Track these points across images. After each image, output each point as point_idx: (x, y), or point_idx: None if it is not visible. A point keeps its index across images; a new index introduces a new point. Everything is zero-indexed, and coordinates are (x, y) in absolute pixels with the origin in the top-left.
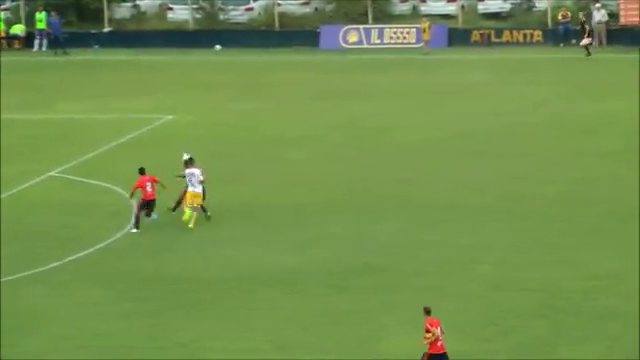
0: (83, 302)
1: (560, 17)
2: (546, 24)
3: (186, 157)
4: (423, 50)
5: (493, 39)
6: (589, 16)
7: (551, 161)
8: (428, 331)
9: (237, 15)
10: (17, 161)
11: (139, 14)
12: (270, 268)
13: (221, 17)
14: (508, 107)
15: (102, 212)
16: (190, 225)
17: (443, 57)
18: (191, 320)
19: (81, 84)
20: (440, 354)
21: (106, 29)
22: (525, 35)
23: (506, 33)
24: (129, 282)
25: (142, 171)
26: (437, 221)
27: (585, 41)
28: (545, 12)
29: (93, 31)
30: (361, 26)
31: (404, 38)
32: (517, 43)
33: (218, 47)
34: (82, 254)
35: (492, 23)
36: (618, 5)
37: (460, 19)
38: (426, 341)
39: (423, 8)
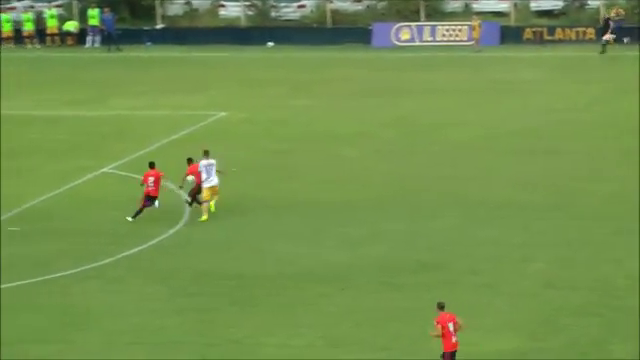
0: (136, 298)
1: (613, 14)
2: (598, 22)
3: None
4: (474, 48)
5: (545, 37)
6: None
7: (603, 159)
8: (437, 325)
9: (289, 12)
10: (70, 158)
11: (191, 11)
12: (323, 264)
13: (273, 14)
14: (560, 105)
15: (155, 208)
16: (204, 217)
17: (495, 55)
18: (244, 316)
19: (134, 80)
20: (454, 352)
21: (159, 26)
22: (577, 33)
23: (558, 31)
24: (182, 278)
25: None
26: (490, 218)
27: (607, 37)
28: (597, 9)
29: (146, 28)
30: (413, 23)
31: (456, 36)
32: (569, 41)
33: (270, 44)
34: (135, 250)
35: (544, 21)
36: None
37: (512, 17)
38: (432, 334)
39: (475, 6)
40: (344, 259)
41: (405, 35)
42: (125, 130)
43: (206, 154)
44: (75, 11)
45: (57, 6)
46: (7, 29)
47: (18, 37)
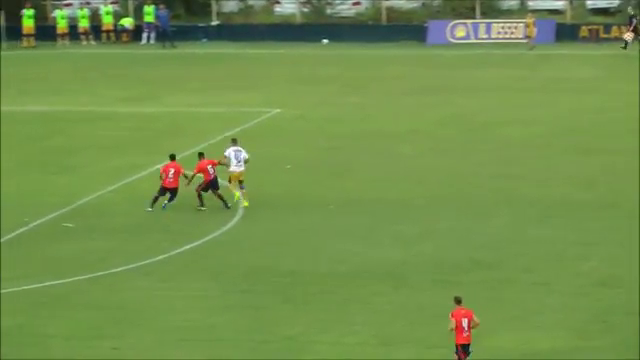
0: (189, 295)
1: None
2: None
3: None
4: (528, 46)
5: (601, 35)
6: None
7: None
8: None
9: (344, 9)
10: (125, 154)
11: (247, 8)
12: (377, 262)
13: (328, 11)
14: (615, 103)
15: (208, 205)
16: (245, 203)
17: (550, 52)
18: (298, 313)
19: (188, 77)
20: (464, 345)
21: (214, 22)
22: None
23: (614, 29)
24: (235, 275)
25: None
26: (544, 217)
27: (628, 35)
28: None
29: (201, 24)
30: (469, 21)
31: (512, 33)
32: None
33: (325, 41)
34: (189, 247)
35: (600, 19)
36: None
37: (568, 14)
38: (448, 329)
39: (531, 3)
40: (398, 257)
41: (460, 32)
42: (179, 127)
43: (234, 142)
44: (130, 8)
45: (113, 3)
46: (62, 25)
47: (73, 33)
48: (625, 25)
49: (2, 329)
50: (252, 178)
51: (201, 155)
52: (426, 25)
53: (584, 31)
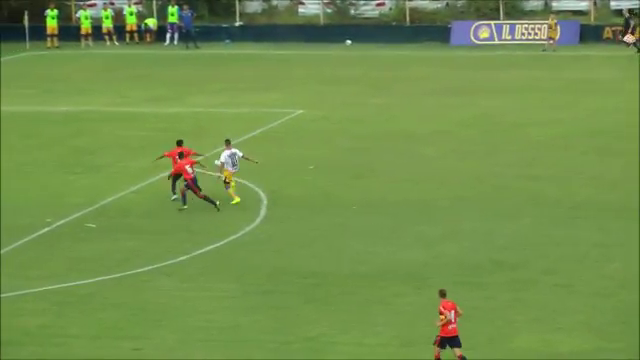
0: (211, 295)
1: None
2: None
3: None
4: (551, 47)
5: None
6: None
7: None
8: (441, 313)
9: (368, 10)
10: (148, 154)
11: (270, 8)
12: (400, 263)
13: (352, 12)
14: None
15: (231, 205)
16: (237, 199)
17: (574, 54)
18: (319, 314)
19: (212, 78)
20: (451, 337)
21: (237, 23)
22: None
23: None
24: (257, 276)
25: (180, 143)
26: (567, 218)
27: (629, 38)
28: None
29: (224, 25)
30: (492, 22)
31: (535, 34)
32: None
33: (349, 42)
34: (211, 247)
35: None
36: None
37: (592, 15)
38: (439, 323)
39: (555, 4)
40: (420, 258)
41: (484, 33)
42: (202, 127)
43: (228, 143)
44: (154, 8)
45: (136, 3)
46: (86, 26)
47: (97, 34)
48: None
49: (27, 329)
50: (275, 179)
51: (181, 155)
52: (450, 26)
53: (608, 32)
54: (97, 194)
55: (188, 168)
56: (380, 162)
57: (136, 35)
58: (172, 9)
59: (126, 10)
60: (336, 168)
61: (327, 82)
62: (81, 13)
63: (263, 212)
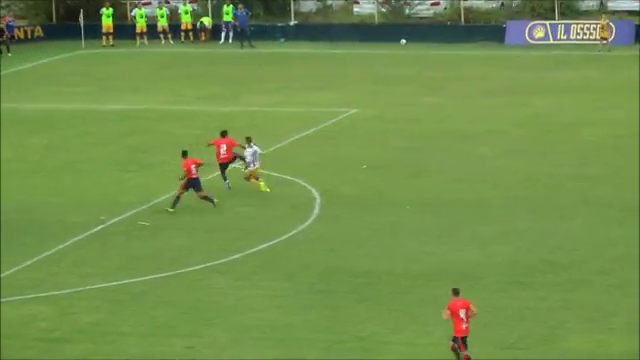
0: (264, 294)
1: None
2: None
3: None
4: (605, 47)
5: None
6: None
7: None
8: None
9: (423, 10)
10: (202, 152)
11: (325, 8)
12: (453, 263)
13: (406, 11)
14: None
15: (284, 204)
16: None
17: (629, 54)
18: (372, 314)
19: (266, 77)
20: (462, 337)
21: (292, 22)
22: None
23: None
24: (310, 274)
25: (185, 154)
26: (620, 219)
27: None
28: None
29: (279, 24)
30: (547, 22)
31: (590, 34)
32: None
33: (403, 41)
34: (264, 246)
35: None
36: None
37: None
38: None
39: (610, 4)
40: (473, 258)
41: (539, 33)
42: (257, 126)
43: (249, 140)
44: (209, 7)
45: (192, 2)
46: (141, 24)
47: (152, 32)
48: None
49: (80, 326)
50: (328, 178)
51: (185, 154)
52: (504, 26)
53: None
54: (151, 192)
55: (193, 168)
56: (434, 162)
57: (191, 34)
58: (227, 8)
59: (181, 9)
60: (389, 167)
61: (381, 81)
62: (136, 11)
63: (316, 211)
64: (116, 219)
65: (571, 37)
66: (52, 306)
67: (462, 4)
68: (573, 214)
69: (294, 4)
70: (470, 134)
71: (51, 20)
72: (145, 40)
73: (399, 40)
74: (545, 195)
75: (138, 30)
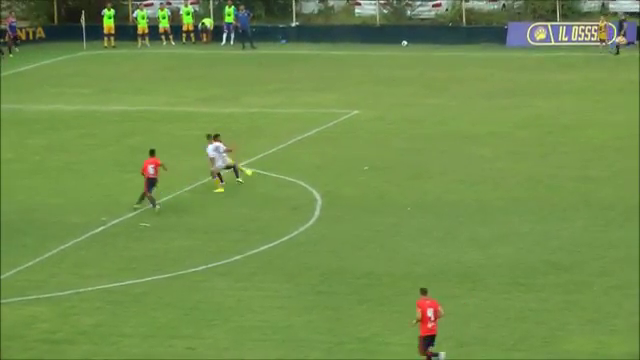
0: (265, 295)
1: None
2: None
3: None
4: (606, 48)
5: None
6: None
7: None
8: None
9: (424, 11)
10: (203, 154)
11: (327, 9)
12: (454, 264)
13: (408, 13)
14: None
15: (285, 205)
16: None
17: (631, 55)
18: (373, 315)
19: (267, 78)
20: (429, 336)
21: (294, 24)
22: None
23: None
24: (311, 276)
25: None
26: (622, 220)
27: (620, 39)
28: None
29: (281, 25)
30: (549, 23)
31: (592, 36)
32: None
33: (405, 43)
34: (265, 247)
35: None
36: None
37: None
38: (413, 322)
39: (612, 6)
40: (474, 259)
41: (540, 35)
42: (258, 127)
43: (209, 138)
44: (211, 8)
45: (193, 3)
46: (143, 25)
47: (153, 33)
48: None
49: (81, 328)
50: (329, 179)
51: (152, 152)
52: (506, 27)
53: None
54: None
55: (150, 169)
56: (435, 163)
57: (192, 35)
58: (229, 9)
59: (183, 10)
60: (391, 169)
61: (383, 83)
62: (138, 13)
63: (317, 212)
64: (117, 220)
65: (573, 39)
66: (53, 307)
67: (463, 5)
68: (574, 216)
69: (295, 5)
70: (471, 135)
71: (53, 21)
72: (147, 41)
73: (401, 41)
74: (546, 197)
75: (140, 31)
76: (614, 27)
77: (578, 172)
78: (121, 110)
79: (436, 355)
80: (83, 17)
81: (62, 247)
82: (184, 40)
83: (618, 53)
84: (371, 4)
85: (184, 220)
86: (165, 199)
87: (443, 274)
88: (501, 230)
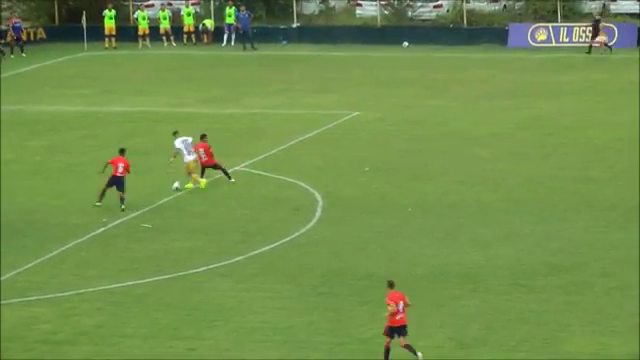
0: (266, 296)
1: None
2: None
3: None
4: (605, 50)
5: None
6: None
7: None
8: (388, 304)
9: (425, 12)
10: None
11: (328, 10)
12: (454, 265)
13: (409, 14)
14: None
15: (286, 206)
16: (202, 185)
17: (632, 56)
18: (374, 316)
19: (268, 79)
20: (398, 326)
21: (294, 24)
22: None
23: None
24: (312, 277)
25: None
26: (623, 221)
27: (600, 38)
28: None
29: (282, 26)
30: (550, 24)
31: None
32: None
33: (406, 44)
34: (266, 248)
35: None
36: None
37: None
38: (386, 314)
39: (613, 7)
40: (475, 260)
41: (541, 36)
42: (259, 128)
43: (175, 134)
44: (212, 9)
45: (194, 4)
46: (143, 26)
47: (154, 34)
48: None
49: (82, 328)
50: (330, 180)
51: (122, 151)
52: (507, 28)
53: None
54: (153, 194)
55: (120, 167)
56: (436, 164)
57: (193, 36)
58: (229, 10)
59: (183, 11)
60: (392, 170)
61: (384, 84)
62: (138, 14)
63: (318, 213)
64: (118, 221)
65: (573, 39)
66: (54, 308)
67: (464, 6)
68: (575, 217)
69: (296, 6)
70: (472, 136)
71: (53, 22)
72: (147, 42)
73: (401, 42)
74: (547, 198)
75: (140, 32)
76: (614, 28)
77: (579, 173)
78: (122, 111)
79: (415, 354)
80: (84, 18)
81: (63, 248)
82: (185, 41)
83: (611, 49)
84: (372, 5)
85: (185, 221)
86: (166, 200)
87: (444, 275)
88: (502, 231)
